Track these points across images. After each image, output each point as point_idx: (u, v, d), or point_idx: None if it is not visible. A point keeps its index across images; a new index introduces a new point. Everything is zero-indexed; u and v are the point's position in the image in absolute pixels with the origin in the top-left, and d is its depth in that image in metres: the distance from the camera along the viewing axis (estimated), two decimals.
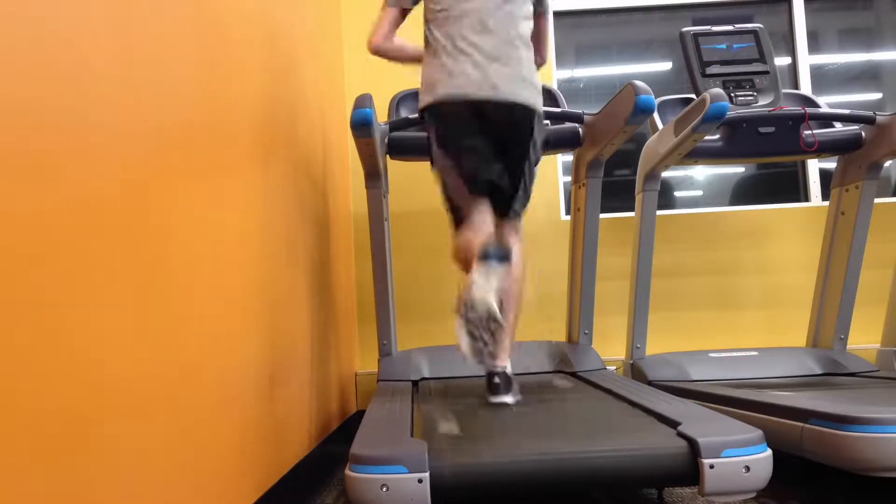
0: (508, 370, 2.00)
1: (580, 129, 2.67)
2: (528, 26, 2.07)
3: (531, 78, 2.03)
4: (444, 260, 3.24)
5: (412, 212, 3.27)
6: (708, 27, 2.77)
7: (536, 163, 2.09)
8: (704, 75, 2.68)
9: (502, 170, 2.01)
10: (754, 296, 3.32)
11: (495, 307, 1.72)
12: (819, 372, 2.69)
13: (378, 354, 2.71)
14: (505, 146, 2.01)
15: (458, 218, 2.06)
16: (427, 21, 2.08)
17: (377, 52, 2.13)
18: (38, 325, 0.73)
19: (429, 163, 2.12)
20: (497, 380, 1.95)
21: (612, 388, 2.18)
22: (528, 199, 2.10)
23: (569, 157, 2.96)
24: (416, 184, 3.20)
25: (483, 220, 1.99)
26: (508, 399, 1.93)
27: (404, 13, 2.13)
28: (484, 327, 1.71)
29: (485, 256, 1.79)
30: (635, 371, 2.76)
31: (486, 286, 1.74)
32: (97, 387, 0.84)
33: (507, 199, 2.05)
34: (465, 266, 1.95)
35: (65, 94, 0.81)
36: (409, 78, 2.89)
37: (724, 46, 2.73)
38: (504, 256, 1.84)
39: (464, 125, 1.97)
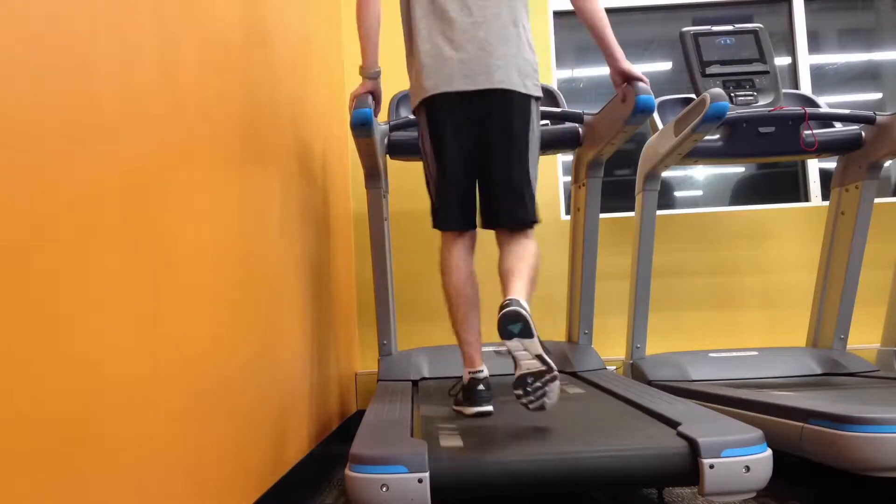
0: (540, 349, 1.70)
1: (580, 129, 2.67)
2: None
3: (522, 57, 1.86)
4: None
5: (412, 212, 3.27)
6: (708, 27, 2.76)
7: (535, 163, 1.93)
8: (704, 75, 2.67)
9: (495, 183, 1.89)
10: (754, 296, 3.32)
11: (541, 362, 1.59)
12: (819, 372, 2.69)
13: (378, 354, 2.71)
14: (493, 145, 1.86)
15: (435, 219, 1.97)
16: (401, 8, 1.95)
17: (358, 15, 1.96)
18: (38, 325, 0.73)
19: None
20: (480, 387, 1.83)
21: (612, 388, 2.18)
22: (532, 205, 1.91)
23: (569, 157, 2.96)
24: (416, 184, 3.18)
25: (460, 249, 1.91)
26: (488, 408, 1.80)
27: None
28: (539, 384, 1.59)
29: (508, 335, 1.61)
30: (635, 371, 2.76)
31: (526, 356, 1.60)
32: (97, 387, 0.84)
33: (507, 210, 1.89)
34: (448, 303, 1.87)
35: (65, 95, 0.81)
36: (409, 78, 2.89)
37: (724, 46, 2.73)
38: (526, 330, 1.61)
39: (449, 131, 1.86)
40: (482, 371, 1.85)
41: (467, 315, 1.90)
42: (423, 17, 1.89)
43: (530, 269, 1.82)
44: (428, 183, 2.02)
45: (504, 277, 1.79)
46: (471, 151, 1.88)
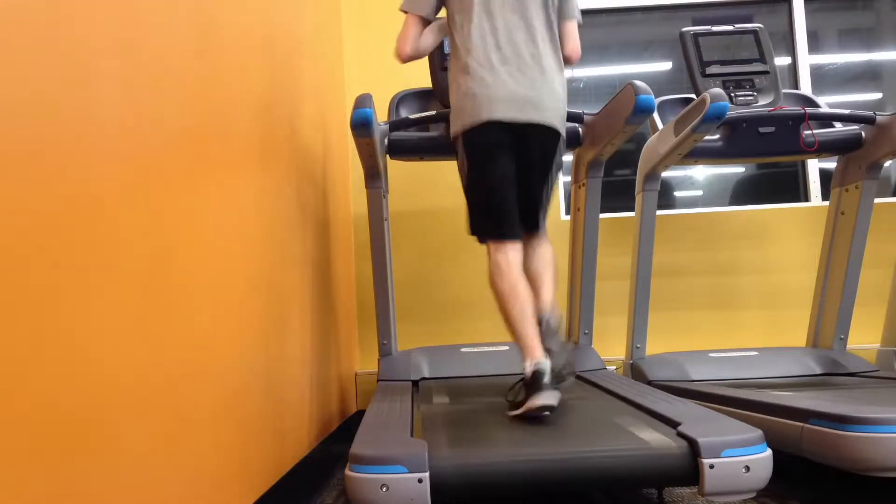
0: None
1: (580, 129, 2.67)
2: (554, 36, 2.05)
3: (560, 97, 2.04)
4: (444, 260, 3.26)
5: (412, 212, 3.27)
6: (708, 27, 2.77)
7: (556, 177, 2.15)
8: (704, 75, 2.68)
9: (529, 199, 2.06)
10: (754, 296, 3.32)
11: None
12: (819, 372, 2.69)
13: (378, 354, 2.71)
14: (531, 168, 2.03)
15: (477, 229, 2.07)
16: (451, 30, 2.06)
17: (408, 60, 2.10)
18: (39, 325, 0.73)
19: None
20: (546, 379, 1.82)
21: (613, 388, 2.18)
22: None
23: (569, 157, 2.97)
24: (416, 184, 3.21)
25: (513, 253, 2.01)
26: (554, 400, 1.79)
27: (426, 21, 2.08)
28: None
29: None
30: (635, 371, 2.76)
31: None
32: (97, 387, 0.84)
33: (535, 217, 2.11)
34: (503, 302, 1.95)
35: (65, 94, 0.81)
36: (409, 78, 2.90)
37: (724, 46, 2.73)
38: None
39: (497, 154, 1.99)
40: (544, 362, 1.83)
41: (524, 310, 1.94)
42: (480, 43, 1.98)
43: (553, 274, 2.12)
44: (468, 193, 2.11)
45: (534, 281, 2.04)
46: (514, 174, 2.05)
